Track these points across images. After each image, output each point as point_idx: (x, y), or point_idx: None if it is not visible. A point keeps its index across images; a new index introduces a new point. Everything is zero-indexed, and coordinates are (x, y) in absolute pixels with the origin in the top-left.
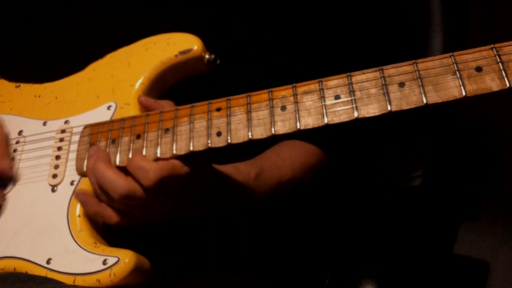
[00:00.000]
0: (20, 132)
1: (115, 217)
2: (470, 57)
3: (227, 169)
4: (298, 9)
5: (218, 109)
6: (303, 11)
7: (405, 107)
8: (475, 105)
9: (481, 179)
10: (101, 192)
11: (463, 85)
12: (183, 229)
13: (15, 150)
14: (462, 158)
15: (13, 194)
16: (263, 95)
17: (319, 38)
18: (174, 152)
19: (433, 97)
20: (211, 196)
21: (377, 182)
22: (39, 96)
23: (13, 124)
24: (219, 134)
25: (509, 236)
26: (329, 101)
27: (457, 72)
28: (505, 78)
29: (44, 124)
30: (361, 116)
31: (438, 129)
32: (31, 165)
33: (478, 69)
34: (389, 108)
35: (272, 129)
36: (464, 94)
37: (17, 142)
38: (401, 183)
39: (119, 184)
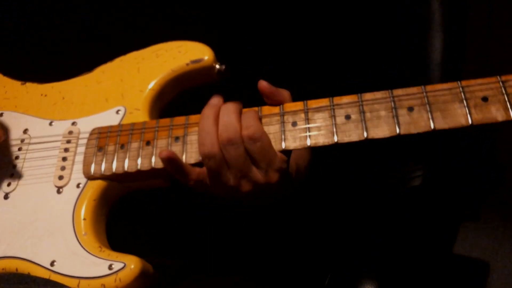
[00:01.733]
0: (25, 131)
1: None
2: (477, 87)
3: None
4: (297, 9)
5: None
6: (303, 11)
7: (413, 131)
8: None
9: (481, 179)
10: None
11: (470, 113)
12: (183, 229)
13: (20, 149)
14: (462, 158)
15: (17, 193)
16: (274, 109)
17: (319, 39)
18: (184, 160)
19: (441, 123)
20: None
21: (377, 182)
22: (46, 95)
23: (18, 121)
24: None
25: (509, 236)
26: (340, 120)
27: (464, 101)
28: (510, 110)
29: (51, 124)
30: (370, 137)
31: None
32: (36, 165)
33: (485, 99)
34: (398, 131)
35: (283, 144)
36: (470, 122)
37: (22, 141)
38: (401, 183)
39: (235, 128)
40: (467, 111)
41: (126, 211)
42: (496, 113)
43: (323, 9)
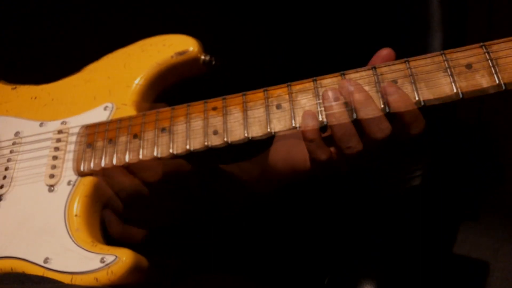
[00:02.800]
0: (16, 133)
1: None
2: (461, 55)
3: (231, 168)
4: (297, 9)
5: (214, 108)
6: (302, 11)
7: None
8: (475, 105)
9: (481, 179)
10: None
11: (454, 81)
12: (183, 229)
13: (11, 151)
14: (462, 158)
15: (10, 194)
16: (259, 94)
17: (318, 38)
18: (171, 151)
19: (426, 94)
20: (216, 196)
21: (377, 182)
22: (36, 98)
23: (10, 125)
24: (215, 132)
25: (509, 236)
26: None
27: (448, 69)
28: (495, 75)
29: (41, 125)
30: (359, 117)
31: (438, 129)
32: (28, 165)
33: (468, 66)
34: (383, 107)
35: (268, 127)
36: (455, 90)
37: (14, 143)
38: (401, 183)
39: (127, 180)
40: (451, 79)
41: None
42: (481, 80)
43: (323, 8)
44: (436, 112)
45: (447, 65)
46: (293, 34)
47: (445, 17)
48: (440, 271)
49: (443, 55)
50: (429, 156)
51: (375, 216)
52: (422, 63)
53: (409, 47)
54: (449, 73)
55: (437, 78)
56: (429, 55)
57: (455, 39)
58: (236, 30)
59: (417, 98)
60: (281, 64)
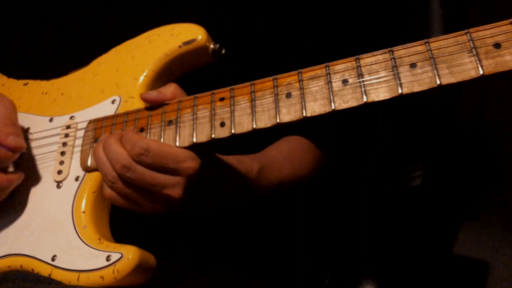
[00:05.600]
0: (27, 130)
1: (120, 200)
2: (488, 32)
3: (230, 160)
4: (301, 4)
5: (222, 99)
6: (307, 7)
7: (417, 89)
8: (476, 105)
9: (481, 179)
10: (108, 175)
11: (481, 62)
12: (183, 229)
13: None
14: (462, 158)
15: (20, 191)
16: (268, 82)
17: (320, 39)
18: (177, 144)
19: (447, 77)
20: (213, 186)
21: (377, 182)
22: (46, 93)
23: (21, 121)
24: (222, 124)
25: (509, 237)
26: (336, 85)
27: (473, 50)
28: None
29: (51, 120)
30: (370, 100)
31: (438, 129)
32: (37, 162)
33: (497, 45)
34: (400, 91)
35: (277, 117)
36: (481, 72)
37: (25, 139)
38: (401, 183)
39: (122, 154)
40: (477, 60)
41: (125, 212)
42: (511, 59)
43: (323, 8)
44: (434, 111)
45: (472, 45)
46: (291, 32)
47: (446, 17)
48: (440, 271)
49: (468, 34)
50: (429, 156)
51: (376, 216)
52: (444, 44)
53: None
54: (475, 53)
55: (460, 60)
56: (451, 34)
57: None
58: (241, 18)
59: (438, 82)
60: (287, 51)
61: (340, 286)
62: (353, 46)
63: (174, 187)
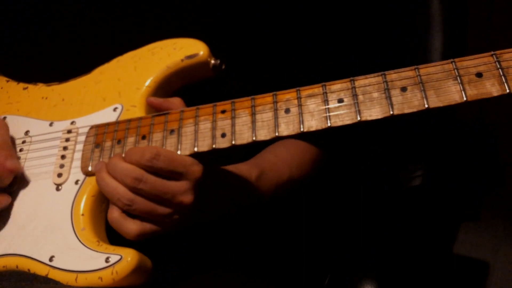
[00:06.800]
0: (26, 132)
1: (146, 226)
2: (471, 63)
3: (229, 169)
4: (300, 11)
5: (223, 111)
6: (306, 13)
7: (407, 110)
8: (475, 105)
9: (481, 179)
10: (122, 199)
11: (464, 89)
12: (184, 228)
13: (21, 150)
14: (462, 158)
15: (18, 192)
16: (268, 98)
17: (321, 40)
18: (179, 152)
19: (435, 101)
20: (213, 198)
21: (377, 182)
22: (46, 98)
23: (20, 124)
24: (223, 135)
25: (509, 236)
26: (333, 104)
27: (458, 78)
28: (505, 84)
29: (51, 124)
30: (363, 119)
31: (438, 129)
32: (36, 164)
33: (479, 74)
34: (391, 112)
35: (276, 131)
36: (465, 98)
37: (23, 142)
38: (401, 183)
39: (131, 168)
40: (461, 87)
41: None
42: (491, 88)
43: (323, 9)
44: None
45: (457, 73)
46: (296, 35)
47: (446, 17)
48: (440, 271)
49: (453, 63)
50: (429, 157)
51: (376, 216)
52: (432, 71)
53: (409, 48)
54: (459, 81)
55: (446, 86)
56: (439, 63)
57: (455, 39)
58: (241, 33)
59: (426, 106)
60: (286, 65)
61: (340, 286)
62: (353, 46)
63: (184, 193)
